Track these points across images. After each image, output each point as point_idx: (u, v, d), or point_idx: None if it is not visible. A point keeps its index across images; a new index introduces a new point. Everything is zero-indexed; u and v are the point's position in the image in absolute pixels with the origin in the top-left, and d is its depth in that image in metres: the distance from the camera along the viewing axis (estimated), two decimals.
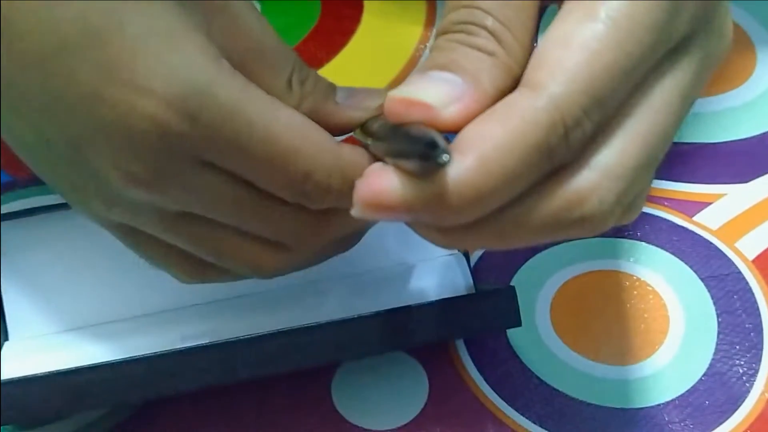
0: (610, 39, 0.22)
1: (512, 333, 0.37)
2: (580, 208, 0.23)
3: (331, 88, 0.30)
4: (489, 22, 0.23)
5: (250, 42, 0.28)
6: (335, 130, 0.29)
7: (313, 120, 0.28)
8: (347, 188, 0.27)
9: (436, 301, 0.34)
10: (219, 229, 0.29)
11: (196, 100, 0.25)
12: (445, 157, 0.21)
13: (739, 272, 0.39)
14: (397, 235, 0.37)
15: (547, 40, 0.23)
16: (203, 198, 0.27)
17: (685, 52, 0.24)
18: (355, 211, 0.23)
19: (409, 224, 0.25)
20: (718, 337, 0.37)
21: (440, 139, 0.21)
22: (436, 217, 0.22)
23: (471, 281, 0.36)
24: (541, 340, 0.37)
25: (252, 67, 0.27)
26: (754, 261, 0.39)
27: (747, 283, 0.38)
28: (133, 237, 0.30)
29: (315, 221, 0.29)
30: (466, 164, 0.22)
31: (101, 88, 0.25)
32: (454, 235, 0.23)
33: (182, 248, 0.29)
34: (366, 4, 0.51)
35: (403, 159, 0.22)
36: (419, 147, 0.21)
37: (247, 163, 0.27)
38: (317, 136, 0.27)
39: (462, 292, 0.35)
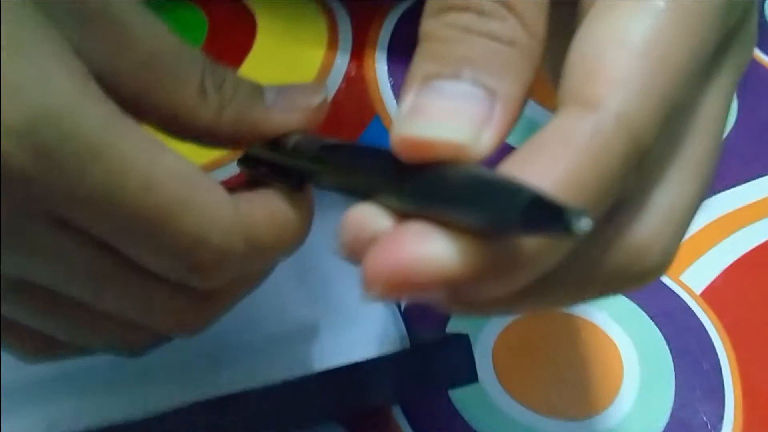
0: (679, 34, 0.17)
1: (454, 390, 0.32)
2: (641, 261, 0.18)
3: (257, 89, 0.24)
4: None
5: (142, 50, 0.22)
6: (267, 138, 0.24)
7: (240, 130, 0.23)
8: (251, 254, 0.22)
9: (372, 360, 0.28)
10: (73, 303, 0.22)
11: (49, 131, 0.18)
12: (585, 224, 0.14)
13: (689, 308, 0.36)
14: (296, 282, 0.32)
15: (593, 40, 0.17)
16: (52, 267, 0.21)
17: (729, 51, 0.20)
18: (368, 293, 0.16)
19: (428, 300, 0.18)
20: (676, 381, 0.33)
21: (547, 195, 0.15)
22: (491, 286, 0.17)
23: (404, 332, 0.31)
24: (486, 394, 0.32)
25: (151, 81, 0.22)
26: (701, 295, 0.36)
27: (698, 319, 0.35)
28: None
29: (200, 301, 0.23)
30: None
31: None
32: (502, 305, 0.18)
33: (22, 322, 0.23)
34: (260, 22, 0.46)
35: (450, 209, 0.16)
36: (514, 213, 0.14)
37: (115, 223, 0.20)
38: (209, 186, 0.21)
39: (396, 346, 0.30)
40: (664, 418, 0.32)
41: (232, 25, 0.46)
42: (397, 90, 0.43)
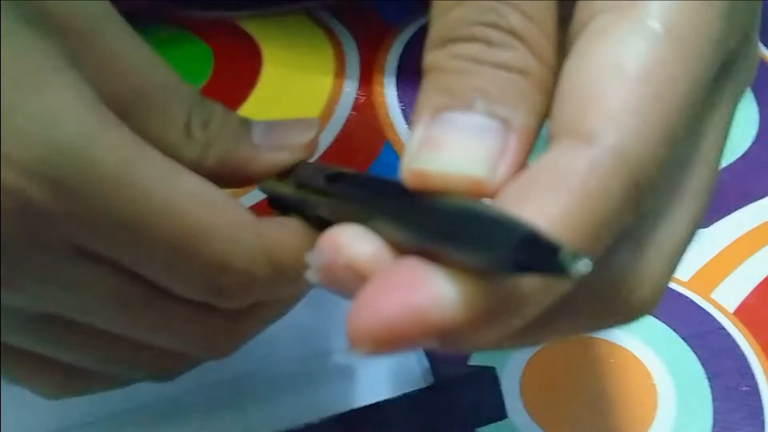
0: (678, 59, 0.16)
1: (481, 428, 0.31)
2: (629, 297, 0.17)
3: (245, 125, 0.23)
4: (515, 21, 0.17)
5: (133, 81, 0.21)
6: (253, 180, 0.23)
7: (226, 169, 0.22)
8: (275, 277, 0.21)
9: (394, 399, 0.27)
10: (102, 332, 0.22)
11: (67, 164, 0.18)
12: (583, 266, 0.13)
13: (722, 327, 0.34)
14: (315, 314, 0.30)
15: (586, 68, 0.16)
16: (79, 298, 0.20)
17: (729, 75, 0.19)
18: (358, 350, 0.15)
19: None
20: (713, 405, 0.32)
21: (542, 233, 0.14)
22: (487, 331, 0.15)
23: (427, 366, 0.30)
24: (516, 430, 0.31)
25: (138, 114, 0.21)
26: (735, 313, 0.34)
27: (733, 339, 0.34)
28: None
29: (228, 323, 0.23)
30: None
31: None
32: (490, 345, 0.16)
33: (50, 356, 0.22)
34: (265, 52, 0.45)
35: (449, 246, 0.15)
36: (507, 250, 0.13)
37: (139, 251, 0.20)
38: (232, 209, 0.21)
39: (419, 382, 0.29)
40: None
41: (238, 56, 0.45)
42: (408, 115, 0.42)
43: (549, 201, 0.15)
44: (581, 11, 0.17)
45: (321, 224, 0.22)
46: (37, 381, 0.23)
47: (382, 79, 0.43)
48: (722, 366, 0.33)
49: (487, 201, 0.16)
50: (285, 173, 0.23)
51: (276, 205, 0.24)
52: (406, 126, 0.41)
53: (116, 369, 0.23)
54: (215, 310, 0.22)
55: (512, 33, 0.17)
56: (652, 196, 0.16)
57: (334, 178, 0.20)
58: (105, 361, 0.23)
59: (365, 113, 0.42)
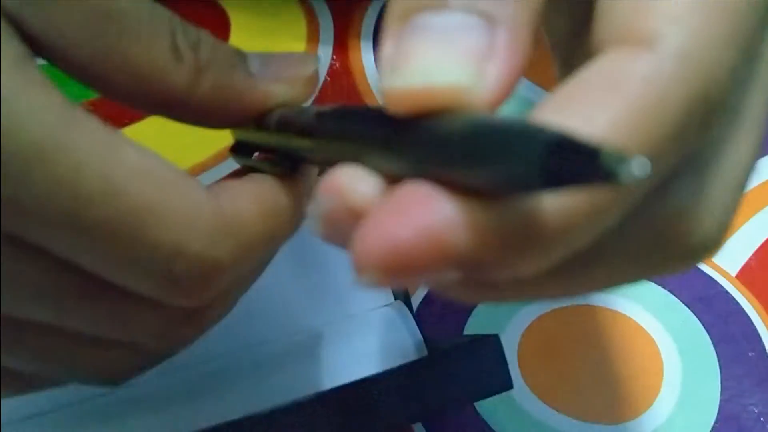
0: None
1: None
2: (691, 235, 0.15)
3: (239, 54, 0.20)
4: None
5: (96, 4, 0.18)
6: (251, 112, 0.20)
7: (220, 100, 0.19)
8: (242, 258, 0.18)
9: (385, 372, 0.25)
10: (40, 329, 0.19)
11: None
12: (638, 166, 0.10)
13: (726, 291, 0.32)
14: (296, 285, 0.28)
15: None
16: (7, 290, 0.17)
17: None
18: (362, 279, 0.13)
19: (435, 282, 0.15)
20: (721, 372, 0.30)
21: (574, 136, 0.11)
22: (516, 262, 0.13)
23: (420, 338, 0.28)
24: (515, 402, 0.29)
25: (111, 40, 0.18)
26: (737, 276, 0.33)
27: (737, 303, 0.32)
28: None
29: (187, 316, 0.20)
30: None
31: None
32: (529, 289, 0.14)
33: None
34: (233, 20, 0.43)
35: (463, 170, 0.12)
36: (533, 158, 0.11)
37: (72, 237, 0.16)
38: (183, 183, 0.18)
39: (412, 354, 0.27)
40: (711, 414, 0.29)
41: (204, 23, 0.42)
42: None
43: (600, 108, 0.12)
44: None
45: (292, 166, 0.20)
46: None
47: (359, 43, 0.41)
48: (727, 331, 0.31)
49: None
50: (262, 120, 0.21)
51: (238, 153, 0.22)
52: None
53: (53, 371, 0.20)
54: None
55: None
56: (722, 112, 0.14)
57: (326, 114, 0.18)
58: (39, 361, 0.19)
59: (341, 80, 0.40)
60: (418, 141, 0.14)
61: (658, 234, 0.15)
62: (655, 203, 0.15)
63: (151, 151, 0.18)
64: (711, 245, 0.16)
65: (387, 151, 0.14)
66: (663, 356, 0.30)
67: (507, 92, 0.13)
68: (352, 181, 0.14)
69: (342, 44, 0.41)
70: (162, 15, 0.19)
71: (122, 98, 0.19)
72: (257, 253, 0.20)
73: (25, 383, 0.21)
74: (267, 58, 0.21)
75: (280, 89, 0.20)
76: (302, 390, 0.25)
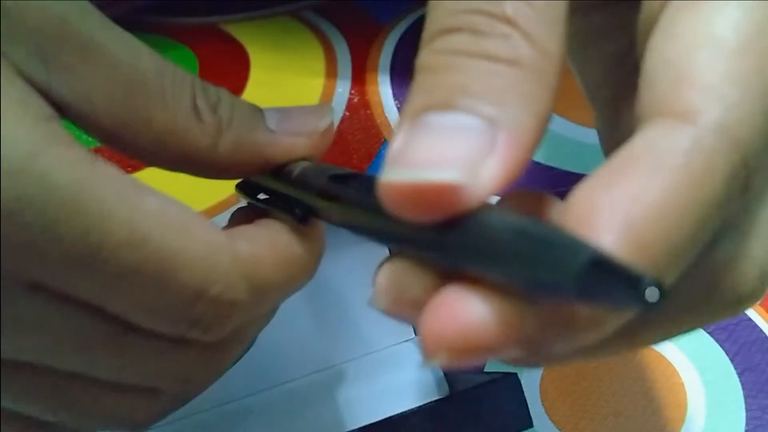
0: None
1: None
2: (736, 287, 0.16)
3: (257, 111, 0.21)
4: (509, 6, 0.15)
5: (121, 71, 0.19)
6: (271, 166, 0.21)
7: (241, 156, 0.20)
8: (256, 299, 0.19)
9: (407, 412, 0.25)
10: (59, 378, 0.19)
11: (8, 189, 0.16)
12: (654, 294, 0.11)
13: (748, 318, 0.32)
14: (314, 325, 0.28)
15: (678, 41, 0.15)
16: (33, 339, 0.18)
17: None
18: (431, 361, 0.14)
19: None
20: (745, 401, 0.30)
21: (611, 256, 0.12)
22: (568, 339, 0.14)
23: (441, 376, 0.28)
24: None
25: (136, 105, 0.19)
26: (762, 304, 0.33)
27: (760, 330, 0.32)
28: None
29: (205, 356, 0.20)
30: (607, 246, 0.13)
31: None
32: (590, 351, 0.15)
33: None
34: (252, 56, 0.43)
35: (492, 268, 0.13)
36: (569, 274, 0.12)
37: (98, 284, 0.17)
38: (203, 230, 0.18)
39: (434, 393, 0.27)
40: None
41: (224, 61, 0.43)
42: None
43: (649, 183, 0.13)
44: None
45: (304, 218, 0.20)
46: None
47: (376, 77, 0.41)
48: (751, 359, 0.31)
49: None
50: (278, 170, 0.21)
51: (245, 191, 0.22)
52: None
53: (78, 421, 0.21)
54: (189, 343, 0.20)
55: (504, 19, 0.15)
56: (760, 175, 0.15)
57: (341, 180, 0.18)
58: (64, 409, 0.20)
59: (359, 113, 0.40)
60: (444, 236, 0.14)
61: (709, 286, 0.16)
62: (705, 259, 0.15)
63: (170, 196, 0.18)
64: (757, 292, 0.16)
65: (412, 240, 0.15)
66: (686, 387, 0.30)
67: (504, 185, 0.14)
68: (408, 279, 0.15)
69: (360, 78, 0.42)
70: (183, 78, 0.20)
71: (144, 158, 0.20)
72: (271, 297, 0.21)
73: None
74: (285, 113, 0.21)
75: (300, 142, 0.21)
76: (323, 430, 0.25)
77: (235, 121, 0.20)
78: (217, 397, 0.27)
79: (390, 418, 0.25)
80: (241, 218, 0.22)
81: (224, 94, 0.21)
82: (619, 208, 0.13)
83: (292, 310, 0.27)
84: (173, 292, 0.18)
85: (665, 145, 0.14)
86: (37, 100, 0.17)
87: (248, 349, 0.24)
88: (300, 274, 0.21)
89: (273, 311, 0.23)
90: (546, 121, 0.15)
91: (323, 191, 0.19)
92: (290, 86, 0.42)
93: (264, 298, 0.20)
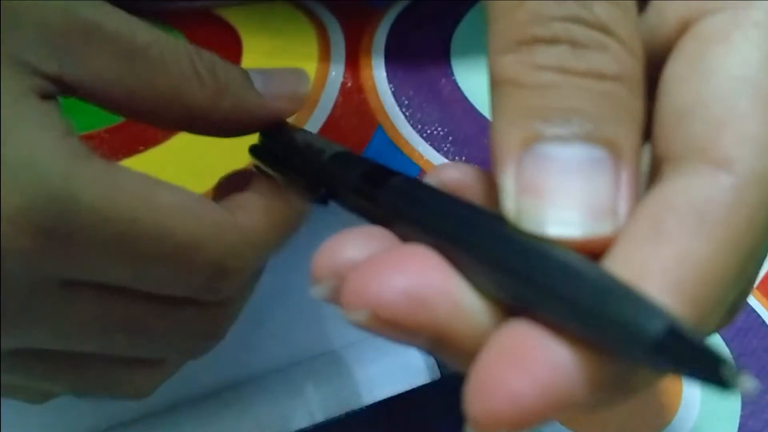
0: None
1: None
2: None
3: (246, 75, 0.23)
4: (602, 11, 0.14)
5: (123, 46, 0.20)
6: (262, 126, 0.23)
7: (236, 117, 0.22)
8: (256, 261, 0.22)
9: (399, 395, 0.25)
10: (76, 359, 0.21)
11: (49, 210, 0.17)
12: (749, 384, 0.11)
13: (746, 303, 0.32)
14: (309, 314, 0.28)
15: (712, 80, 0.14)
16: (58, 328, 0.20)
17: None
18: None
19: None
20: None
21: (687, 328, 0.12)
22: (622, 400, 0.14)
23: (432, 360, 0.28)
24: None
25: (141, 74, 0.20)
26: (758, 288, 0.32)
27: (758, 315, 0.32)
28: None
29: (212, 312, 0.22)
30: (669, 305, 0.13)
31: None
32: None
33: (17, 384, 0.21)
34: (244, 39, 0.43)
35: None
36: (641, 338, 0.12)
37: (132, 275, 0.19)
38: (212, 213, 0.21)
39: (424, 377, 0.27)
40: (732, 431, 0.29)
41: (216, 46, 0.43)
42: (399, 96, 0.40)
43: (695, 244, 0.13)
44: (675, 7, 0.15)
45: (324, 200, 0.21)
46: (19, 395, 0.22)
47: (370, 61, 0.41)
48: (748, 345, 0.31)
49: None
50: (306, 147, 0.22)
51: (258, 154, 0.24)
52: (398, 108, 0.39)
53: (88, 391, 0.22)
54: (198, 304, 0.21)
55: (601, 28, 0.14)
56: None
57: (374, 179, 0.18)
58: (75, 386, 0.22)
59: (354, 98, 0.40)
60: (533, 270, 0.13)
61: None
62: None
63: (178, 186, 0.20)
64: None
65: (480, 265, 0.14)
66: None
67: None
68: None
69: (353, 62, 0.41)
70: (177, 45, 0.21)
71: (150, 121, 0.22)
72: (268, 256, 0.23)
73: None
74: (267, 75, 0.23)
75: (284, 104, 0.23)
76: (317, 415, 0.25)
77: (231, 83, 0.22)
78: (211, 382, 0.27)
79: (381, 401, 0.25)
80: (228, 185, 0.24)
81: (216, 58, 0.22)
82: (670, 271, 0.13)
83: (285, 296, 0.27)
84: (194, 272, 0.20)
85: (707, 198, 0.13)
86: (59, 116, 0.19)
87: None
88: (290, 232, 0.23)
89: (261, 270, 0.25)
90: (644, 134, 0.15)
91: (361, 191, 0.19)
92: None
93: (263, 257, 0.23)
